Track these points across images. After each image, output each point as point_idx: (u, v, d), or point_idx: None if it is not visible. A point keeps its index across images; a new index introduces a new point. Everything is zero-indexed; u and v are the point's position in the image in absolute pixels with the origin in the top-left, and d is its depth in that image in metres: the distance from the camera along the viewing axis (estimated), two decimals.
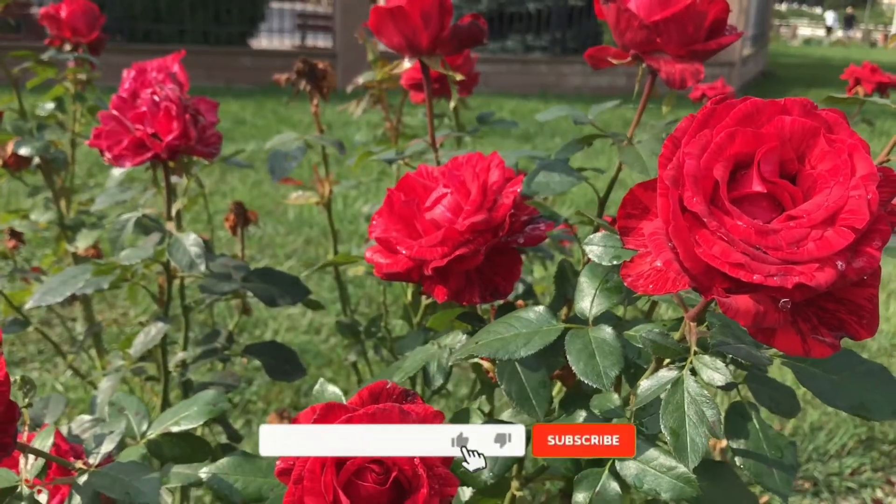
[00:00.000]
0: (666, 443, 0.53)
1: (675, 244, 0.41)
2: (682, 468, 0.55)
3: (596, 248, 0.61)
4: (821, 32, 27.89)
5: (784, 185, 0.42)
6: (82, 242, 1.33)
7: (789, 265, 0.39)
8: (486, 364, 0.73)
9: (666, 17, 0.70)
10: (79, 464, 0.63)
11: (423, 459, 0.48)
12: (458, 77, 0.84)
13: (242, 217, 1.34)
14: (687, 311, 0.52)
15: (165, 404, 1.02)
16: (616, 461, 0.57)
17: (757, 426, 0.64)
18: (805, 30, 28.47)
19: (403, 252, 0.64)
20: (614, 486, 0.57)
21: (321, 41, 10.06)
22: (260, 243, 3.32)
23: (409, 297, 1.26)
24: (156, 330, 0.88)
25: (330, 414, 0.50)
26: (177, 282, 0.98)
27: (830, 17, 28.46)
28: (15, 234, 1.50)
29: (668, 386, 0.51)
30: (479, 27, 0.82)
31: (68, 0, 1.37)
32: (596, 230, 0.83)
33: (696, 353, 0.51)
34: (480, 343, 0.60)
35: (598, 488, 0.57)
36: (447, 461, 0.51)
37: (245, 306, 1.50)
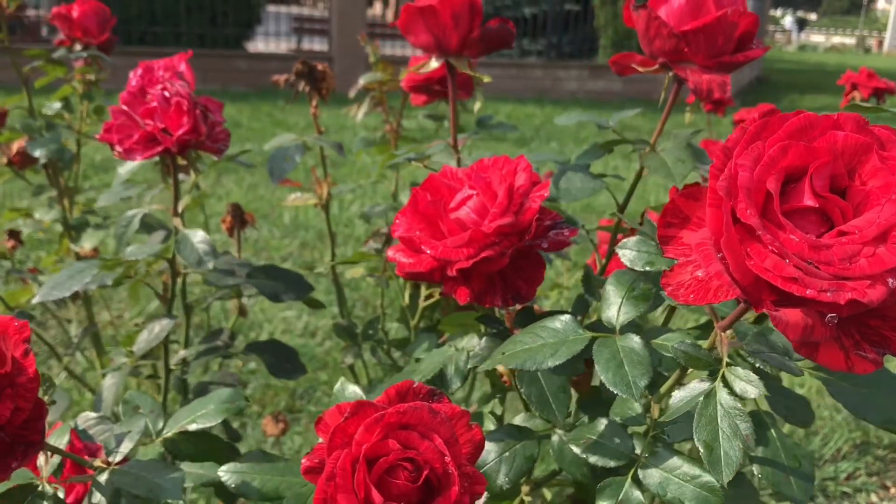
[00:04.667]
0: (686, 451, 0.53)
1: (725, 255, 0.41)
2: (706, 477, 0.55)
3: (629, 252, 0.60)
4: (815, 38, 28.12)
5: (835, 199, 0.42)
6: (88, 242, 1.32)
7: (841, 281, 0.39)
8: (500, 368, 0.73)
9: (696, 28, 0.70)
10: (98, 462, 0.63)
11: (454, 458, 0.48)
12: (486, 79, 0.85)
13: (239, 219, 1.33)
14: (718, 322, 0.52)
15: (165, 403, 1.02)
16: (639, 469, 0.57)
17: (775, 435, 0.64)
18: (800, 35, 28.64)
19: (428, 252, 0.64)
20: (637, 494, 0.57)
21: (317, 44, 10.06)
22: (255, 246, 3.32)
23: (407, 299, 1.26)
24: (160, 327, 0.88)
25: (360, 412, 0.49)
26: (178, 280, 0.98)
27: (788, 21, 28.97)
28: (14, 235, 1.50)
29: (701, 398, 0.50)
30: (509, 30, 0.82)
31: (80, 0, 1.37)
32: (614, 238, 0.82)
33: (728, 364, 0.51)
34: (507, 354, 0.60)
35: (620, 496, 0.57)
36: (473, 459, 0.51)
37: (241, 308, 1.50)
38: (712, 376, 0.51)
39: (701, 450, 0.48)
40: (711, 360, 0.52)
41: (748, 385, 0.49)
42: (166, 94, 0.83)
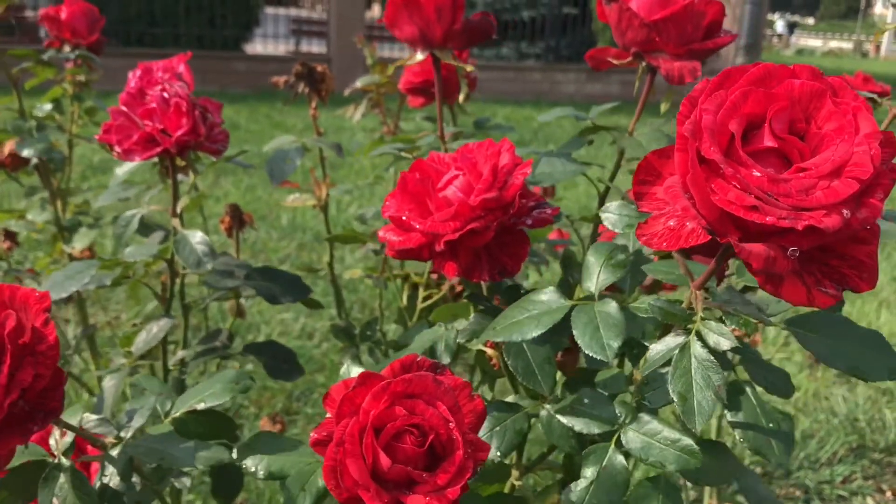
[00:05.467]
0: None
1: (692, 193, 0.44)
2: (686, 440, 0.57)
3: (611, 215, 0.64)
4: (813, 42, 28.24)
5: (793, 141, 0.45)
6: (79, 243, 1.32)
7: (799, 211, 0.42)
8: (489, 352, 0.76)
9: (665, 17, 0.74)
10: (109, 439, 0.65)
11: (458, 425, 0.50)
12: (469, 68, 0.87)
13: (238, 220, 1.33)
14: (693, 281, 0.55)
15: None
16: (621, 435, 0.60)
17: (753, 401, 0.67)
18: (797, 40, 28.73)
19: (417, 227, 0.66)
20: (620, 459, 0.59)
21: (315, 46, 10.07)
22: (253, 248, 3.32)
23: (405, 301, 1.26)
24: (158, 327, 0.88)
25: (367, 382, 0.51)
26: (177, 280, 0.98)
27: (780, 25, 29.27)
28: (9, 236, 1.49)
29: (676, 351, 0.53)
30: (490, 22, 0.85)
31: (68, 1, 1.37)
32: (595, 227, 0.87)
33: (702, 318, 0.54)
34: (498, 328, 0.63)
35: (604, 462, 0.59)
36: (475, 429, 0.53)
37: (239, 308, 1.50)
38: (687, 331, 0.54)
39: (675, 400, 0.51)
40: (687, 315, 0.54)
41: (721, 338, 0.52)
42: (165, 95, 0.84)
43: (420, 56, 0.87)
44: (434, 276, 1.20)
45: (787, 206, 0.42)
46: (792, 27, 29.52)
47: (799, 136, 0.45)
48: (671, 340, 0.54)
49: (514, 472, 0.77)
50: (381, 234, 0.70)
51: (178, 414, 0.70)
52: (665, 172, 0.51)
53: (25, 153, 1.20)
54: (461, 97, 0.90)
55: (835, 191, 0.42)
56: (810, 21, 38.94)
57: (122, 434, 0.66)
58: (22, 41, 6.78)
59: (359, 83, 1.28)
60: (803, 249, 0.43)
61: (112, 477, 0.65)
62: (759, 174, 0.43)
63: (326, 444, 0.51)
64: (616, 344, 0.57)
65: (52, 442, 0.63)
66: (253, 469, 0.62)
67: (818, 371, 2.41)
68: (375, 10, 16.21)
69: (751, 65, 0.46)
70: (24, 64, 1.34)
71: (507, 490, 0.79)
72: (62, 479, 0.59)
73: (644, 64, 0.79)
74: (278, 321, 2.58)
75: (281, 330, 2.53)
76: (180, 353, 1.01)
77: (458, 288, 1.18)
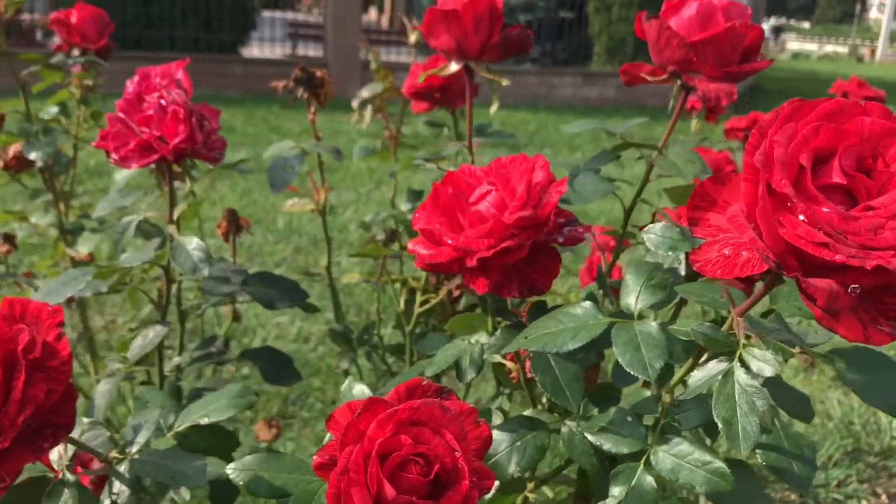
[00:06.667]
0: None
1: (758, 224, 0.44)
2: (717, 463, 0.57)
3: (654, 236, 0.64)
4: (808, 47, 28.30)
5: (861, 178, 0.45)
6: (84, 247, 1.32)
7: (867, 250, 0.42)
8: (509, 364, 0.75)
9: (705, 38, 0.73)
10: (113, 453, 0.64)
11: (464, 453, 0.50)
12: (504, 82, 0.87)
13: (235, 224, 1.34)
14: (735, 307, 0.55)
15: None
16: (651, 455, 0.60)
17: (778, 425, 0.66)
18: (793, 44, 28.78)
19: (449, 242, 0.66)
20: (649, 479, 0.59)
21: (312, 50, 10.07)
22: (249, 251, 3.31)
23: (402, 305, 1.26)
24: (153, 333, 0.88)
25: (372, 408, 0.51)
26: (173, 286, 0.98)
27: (766, 29, 29.42)
28: (8, 238, 1.49)
29: (719, 377, 0.53)
30: (527, 36, 0.85)
31: (79, 6, 1.37)
32: (619, 241, 0.88)
33: (744, 345, 0.54)
34: (530, 338, 0.62)
35: (633, 482, 0.59)
36: (481, 455, 0.53)
37: (235, 313, 1.50)
38: (729, 357, 0.54)
39: (720, 425, 0.51)
40: (729, 341, 0.54)
41: (764, 364, 0.52)
42: (163, 102, 0.83)
43: (455, 66, 0.86)
44: (432, 281, 1.21)
45: (856, 244, 0.42)
46: (778, 31, 29.68)
47: (865, 173, 0.46)
48: (713, 367, 0.54)
49: (529, 485, 0.77)
50: (410, 246, 0.70)
51: (181, 428, 0.69)
52: (720, 199, 0.51)
53: (32, 156, 1.20)
54: (492, 108, 0.90)
55: None
56: (806, 25, 39.01)
57: (128, 449, 0.65)
58: (19, 44, 6.78)
59: (365, 92, 1.28)
60: (864, 287, 0.44)
61: (121, 494, 0.64)
62: (828, 210, 0.43)
63: (329, 468, 0.50)
64: (659, 364, 0.57)
65: (52, 457, 0.62)
66: (254, 487, 0.61)
67: (813, 375, 2.42)
68: (372, 14, 16.23)
69: (822, 99, 0.46)
70: (32, 68, 1.35)
71: (520, 502, 0.78)
72: (66, 494, 0.58)
73: (679, 83, 0.78)
74: (274, 325, 2.58)
75: (277, 333, 2.52)
76: (176, 360, 1.01)
77: (456, 293, 1.18)
